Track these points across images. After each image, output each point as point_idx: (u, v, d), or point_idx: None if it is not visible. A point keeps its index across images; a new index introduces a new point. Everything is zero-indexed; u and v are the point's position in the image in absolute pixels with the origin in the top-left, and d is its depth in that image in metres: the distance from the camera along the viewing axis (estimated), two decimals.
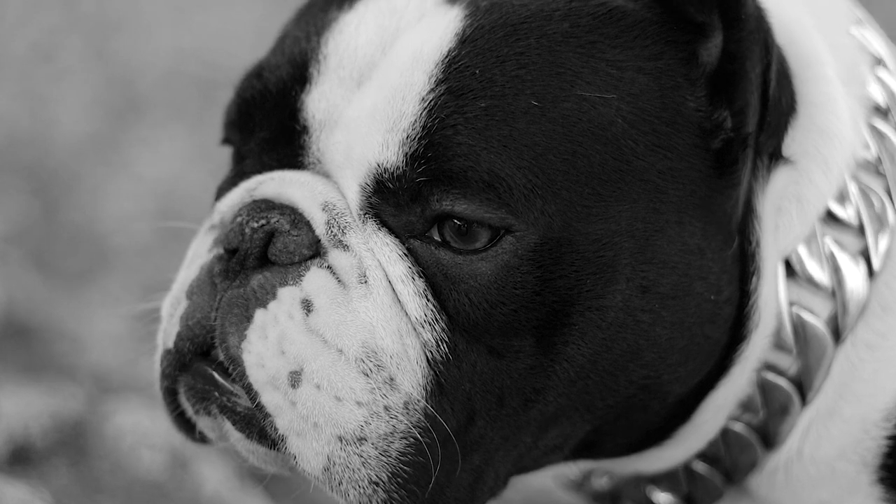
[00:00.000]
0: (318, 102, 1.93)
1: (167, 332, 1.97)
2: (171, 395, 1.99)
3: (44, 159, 5.85)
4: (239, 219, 1.92)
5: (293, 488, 3.15)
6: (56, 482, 2.99)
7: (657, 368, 1.92)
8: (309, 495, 2.88)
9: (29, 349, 3.97)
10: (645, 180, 1.88)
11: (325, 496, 1.90)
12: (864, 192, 2.01)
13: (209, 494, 3.07)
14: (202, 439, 2.01)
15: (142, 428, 3.10)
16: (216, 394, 1.92)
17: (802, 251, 1.99)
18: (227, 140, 2.06)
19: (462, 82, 1.86)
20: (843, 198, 2.00)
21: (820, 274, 1.99)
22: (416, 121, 1.85)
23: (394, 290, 1.87)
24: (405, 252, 1.88)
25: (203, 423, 1.97)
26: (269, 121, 1.97)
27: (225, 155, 2.10)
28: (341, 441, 1.84)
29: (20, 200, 5.33)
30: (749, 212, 1.96)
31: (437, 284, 1.87)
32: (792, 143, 1.99)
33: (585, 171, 1.86)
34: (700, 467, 2.06)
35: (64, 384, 3.36)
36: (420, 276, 1.87)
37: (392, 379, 1.86)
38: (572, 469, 2.21)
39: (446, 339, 1.86)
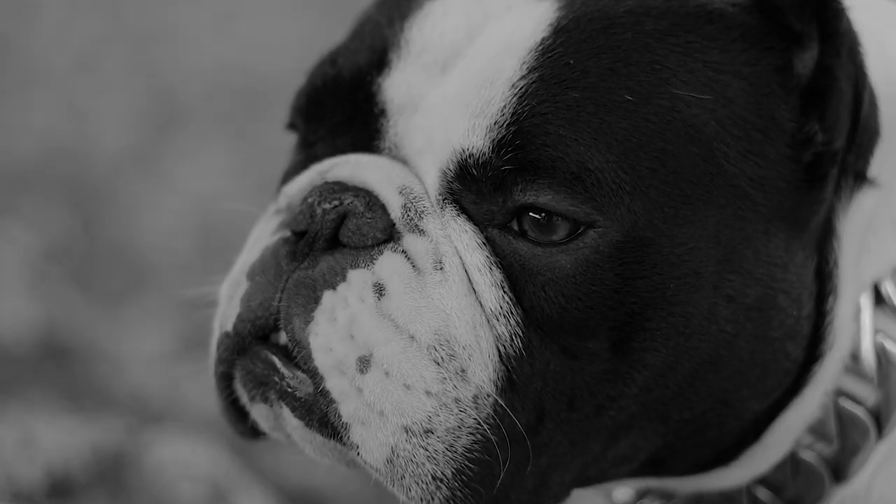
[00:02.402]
0: (399, 87, 1.91)
1: (225, 315, 1.93)
2: (225, 381, 1.94)
3: (84, 173, 5.86)
4: (310, 200, 1.89)
5: None
6: None
7: (737, 382, 1.89)
8: None
9: (69, 371, 3.96)
10: (734, 186, 1.85)
11: None
12: None
13: None
14: (254, 432, 1.96)
15: (182, 459, 3.11)
16: (275, 379, 1.87)
17: (892, 280, 1.97)
18: (292, 125, 2.04)
19: (555, 71, 1.84)
20: None
21: None
22: (505, 107, 1.83)
23: (470, 279, 1.84)
24: (483, 241, 1.85)
25: (258, 412, 1.92)
26: (342, 106, 1.95)
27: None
28: (407, 432, 1.80)
29: (60, 216, 5.32)
30: (829, 231, 1.94)
31: (513, 276, 1.84)
32: (883, 166, 1.96)
33: (675, 172, 1.83)
34: (763, 494, 2.02)
35: (103, 413, 3.33)
36: (497, 267, 1.84)
37: (463, 370, 1.82)
38: (626, 490, 2.15)
39: (520, 334, 1.82)
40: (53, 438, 2.98)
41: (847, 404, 1.95)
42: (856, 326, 1.96)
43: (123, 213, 5.47)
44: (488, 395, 1.82)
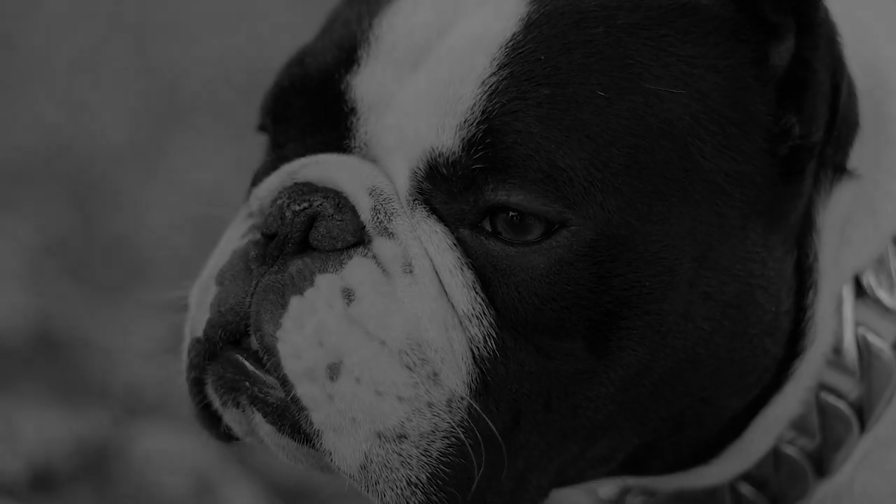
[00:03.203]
0: (369, 84, 1.88)
1: (196, 320, 1.91)
2: (197, 387, 1.92)
3: (84, 168, 5.87)
4: (279, 202, 1.87)
5: None
6: None
7: (715, 380, 1.88)
8: None
9: (62, 365, 3.97)
10: (710, 181, 1.83)
11: None
12: None
13: None
14: (227, 436, 1.94)
15: (167, 452, 3.10)
16: (247, 384, 1.85)
17: (873, 271, 1.95)
18: (262, 128, 2.02)
19: (525, 67, 1.81)
20: None
21: (889, 297, 1.94)
22: (475, 104, 1.80)
23: (441, 281, 1.82)
24: (454, 242, 1.83)
25: (230, 417, 1.90)
26: (310, 106, 1.93)
27: None
28: (380, 438, 1.78)
29: (59, 210, 5.33)
30: (808, 224, 1.93)
31: (486, 277, 1.81)
32: (862, 156, 1.94)
33: (649, 168, 1.81)
34: (746, 490, 2.00)
35: (89, 406, 3.33)
36: (469, 268, 1.82)
37: (436, 374, 1.79)
38: (609, 487, 2.14)
39: (494, 336, 1.80)
40: (36, 430, 2.98)
41: (829, 398, 1.94)
42: (837, 320, 1.94)
43: (123, 208, 5.48)
44: (462, 399, 1.79)
